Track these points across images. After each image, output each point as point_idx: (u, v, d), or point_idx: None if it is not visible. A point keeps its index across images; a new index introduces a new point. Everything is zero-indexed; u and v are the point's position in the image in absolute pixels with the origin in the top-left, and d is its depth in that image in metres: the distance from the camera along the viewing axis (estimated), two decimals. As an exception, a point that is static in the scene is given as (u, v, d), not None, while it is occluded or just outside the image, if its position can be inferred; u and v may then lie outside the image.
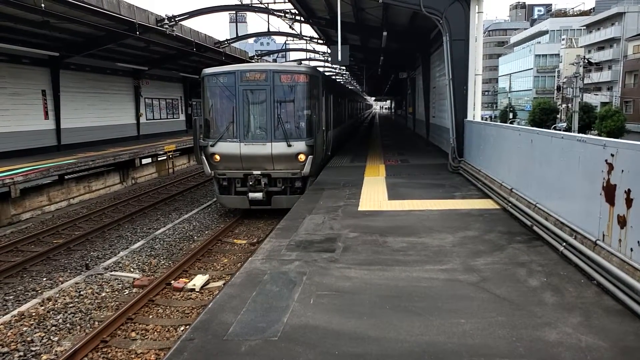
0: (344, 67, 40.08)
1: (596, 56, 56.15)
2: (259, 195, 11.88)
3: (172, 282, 8.50)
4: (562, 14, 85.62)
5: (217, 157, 11.94)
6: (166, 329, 6.94)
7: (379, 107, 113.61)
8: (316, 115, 12.19)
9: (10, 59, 17.63)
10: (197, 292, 8.15)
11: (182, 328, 6.90)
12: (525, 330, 4.19)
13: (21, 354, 6.23)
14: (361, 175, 13.13)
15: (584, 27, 64.22)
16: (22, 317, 7.22)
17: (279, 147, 11.70)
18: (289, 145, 11.66)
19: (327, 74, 32.78)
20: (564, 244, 5.98)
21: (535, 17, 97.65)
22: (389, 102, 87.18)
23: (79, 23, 15.77)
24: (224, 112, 12.17)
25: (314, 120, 11.97)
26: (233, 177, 12.23)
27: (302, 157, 11.78)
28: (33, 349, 6.37)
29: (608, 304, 4.65)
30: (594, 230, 5.43)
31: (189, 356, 3.96)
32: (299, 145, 11.78)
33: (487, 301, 4.84)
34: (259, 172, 11.93)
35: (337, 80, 40.91)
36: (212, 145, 11.86)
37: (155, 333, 6.84)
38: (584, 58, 46.27)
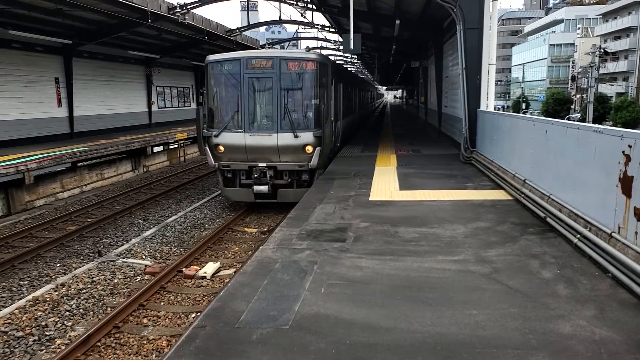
0: (355, 56, 39.76)
1: (612, 46, 55.16)
2: (264, 188, 11.52)
3: (184, 269, 8.56)
4: (578, 2, 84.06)
5: (222, 148, 11.55)
6: (177, 316, 7.01)
7: (392, 96, 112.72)
8: (325, 104, 11.69)
9: (24, 46, 17.73)
10: (208, 279, 8.21)
11: (193, 315, 6.97)
12: (538, 323, 4.16)
13: (36, 338, 6.35)
14: (372, 165, 13.07)
15: (600, 16, 63.06)
16: (37, 302, 7.34)
17: (286, 138, 11.29)
18: (296, 136, 11.24)
19: (338, 62, 32.53)
20: (578, 235, 5.90)
21: (551, 5, 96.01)
22: (400, 91, 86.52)
23: (92, 11, 15.79)
24: (228, 101, 11.75)
25: (322, 110, 11.45)
26: (238, 169, 11.87)
27: (309, 148, 11.36)
28: (47, 333, 6.48)
29: (623, 297, 4.60)
30: (610, 222, 5.34)
31: (200, 343, 3.98)
32: (307, 137, 11.33)
33: (499, 292, 4.81)
34: (264, 164, 11.54)
35: (348, 69, 40.43)
36: (216, 136, 11.50)
37: (167, 320, 6.91)
38: (600, 47, 45.41)
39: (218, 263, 8.79)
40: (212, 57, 11.74)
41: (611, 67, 54.61)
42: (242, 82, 11.34)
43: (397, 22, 17.12)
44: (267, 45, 34.39)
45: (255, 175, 11.57)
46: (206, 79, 11.84)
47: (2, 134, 16.90)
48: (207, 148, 11.70)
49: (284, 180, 11.87)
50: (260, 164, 11.55)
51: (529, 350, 3.74)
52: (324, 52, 32.71)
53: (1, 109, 16.88)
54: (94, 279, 8.30)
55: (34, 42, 17.92)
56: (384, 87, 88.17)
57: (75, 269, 8.89)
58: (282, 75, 11.30)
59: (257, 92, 11.43)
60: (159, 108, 28.12)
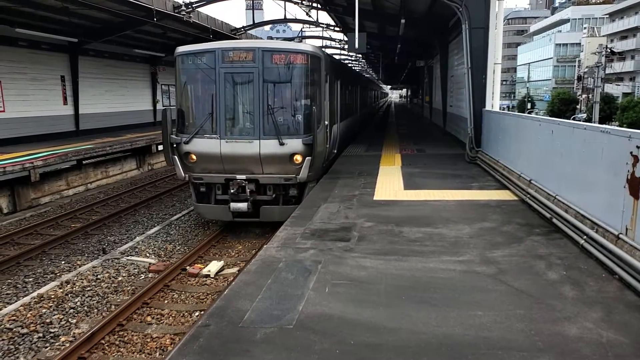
0: (360, 55, 39.70)
1: (619, 45, 54.83)
2: (242, 205, 9.65)
3: (188, 267, 8.57)
4: (585, 2, 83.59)
5: (194, 157, 9.88)
6: (181, 314, 7.01)
7: (398, 95, 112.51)
8: (317, 105, 9.96)
9: (30, 44, 17.81)
10: (212, 278, 8.21)
11: (197, 314, 6.97)
12: (544, 324, 4.13)
13: (40, 335, 6.37)
14: (376, 165, 13.03)
15: (607, 16, 62.70)
16: (42, 299, 7.37)
17: (269, 146, 9.58)
18: (282, 144, 9.51)
19: (344, 61, 32.41)
20: (585, 237, 5.86)
21: (557, 5, 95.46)
22: (405, 90, 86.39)
23: (98, 9, 15.82)
24: (201, 101, 10.13)
25: (314, 112, 9.67)
26: (212, 182, 10.12)
27: (298, 158, 9.67)
28: (52, 330, 6.50)
29: (630, 300, 4.55)
30: (617, 223, 5.30)
31: (204, 342, 3.97)
32: (294, 144, 9.62)
33: (505, 294, 4.77)
34: (243, 177, 9.77)
35: (351, 67, 40.11)
36: (187, 143, 9.78)
37: (171, 318, 6.92)
38: (606, 47, 45.15)
39: (222, 261, 8.79)
40: (182, 49, 10.13)
41: (617, 67, 54.27)
42: (217, 79, 9.63)
43: (403, 21, 17.07)
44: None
45: (232, 191, 9.73)
46: (176, 74, 10.20)
47: (9, 131, 16.99)
48: (176, 157, 10.02)
49: (267, 195, 10.09)
50: (239, 177, 9.80)
51: (535, 353, 3.71)
52: (329, 51, 32.63)
53: (8, 106, 16.97)
54: (99, 276, 8.32)
55: (40, 40, 17.99)
56: (389, 86, 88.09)
57: (79, 267, 8.92)
58: (265, 69, 9.58)
59: (236, 91, 9.75)
60: (164, 106, 28.17)
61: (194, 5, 18.74)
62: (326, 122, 10.77)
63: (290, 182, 9.86)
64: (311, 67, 9.93)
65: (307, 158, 9.68)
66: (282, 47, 10.18)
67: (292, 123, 9.92)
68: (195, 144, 9.80)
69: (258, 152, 9.61)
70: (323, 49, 11.05)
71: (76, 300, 7.38)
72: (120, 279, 8.29)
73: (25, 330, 6.44)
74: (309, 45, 10.63)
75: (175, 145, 9.99)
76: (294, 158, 9.69)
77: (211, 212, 10.44)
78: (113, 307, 7.20)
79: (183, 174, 10.08)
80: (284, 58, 9.68)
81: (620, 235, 5.17)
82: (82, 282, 8.04)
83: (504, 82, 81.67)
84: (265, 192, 10.09)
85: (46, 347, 6.11)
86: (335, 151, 13.46)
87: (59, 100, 19.64)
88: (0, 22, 15.61)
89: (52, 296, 7.46)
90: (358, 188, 10.00)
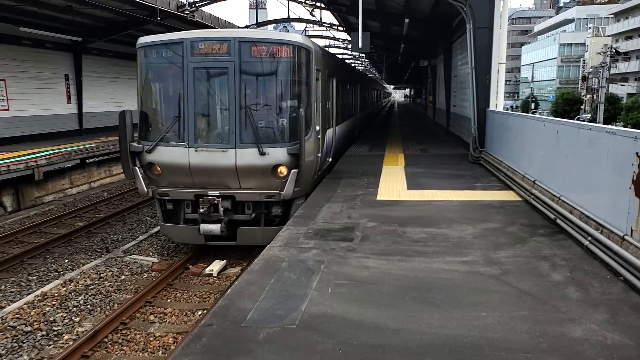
0: (363, 55, 39.67)
1: (624, 45, 54.64)
2: (215, 227, 8.16)
3: (190, 266, 8.57)
4: (589, 1, 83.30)
5: (158, 168, 8.46)
6: (184, 313, 7.02)
7: (403, 95, 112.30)
8: (306, 107, 8.47)
9: (34, 43, 17.88)
10: (215, 277, 8.21)
11: (199, 313, 6.98)
12: (548, 326, 4.10)
13: (44, 333, 6.38)
14: (380, 164, 13.01)
15: (612, 16, 62.46)
16: (45, 297, 7.39)
17: (248, 156, 8.08)
18: (263, 153, 8.03)
19: (347, 61, 32.29)
20: (589, 238, 5.83)
21: (561, 4, 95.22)
22: (408, 90, 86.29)
23: (102, 8, 15.84)
24: (166, 101, 8.74)
25: (301, 115, 8.06)
26: (180, 198, 8.59)
27: (282, 170, 8.23)
28: (55, 328, 6.51)
29: (635, 301, 4.52)
30: (622, 225, 5.26)
31: (207, 342, 3.97)
32: (278, 154, 8.14)
33: (508, 295, 4.75)
34: (216, 193, 8.25)
35: (354, 65, 39.94)
36: (149, 151, 8.32)
37: (174, 317, 6.92)
38: (611, 47, 44.97)
39: (224, 261, 8.79)
40: (145, 39, 8.60)
41: (622, 67, 54.04)
42: (185, 75, 8.15)
43: (406, 20, 17.05)
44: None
45: (202, 209, 8.16)
46: (137, 70, 8.72)
47: (14, 130, 17.08)
48: (137, 168, 8.54)
49: (245, 215, 8.55)
50: (211, 193, 8.27)
51: (539, 354, 3.69)
52: (332, 50, 32.58)
53: (12, 105, 17.04)
54: (102, 275, 8.34)
55: (44, 39, 18.06)
56: (392, 86, 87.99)
57: (83, 265, 8.94)
58: (242, 64, 8.11)
59: (207, 90, 8.36)
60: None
61: (197, 5, 18.73)
62: (317, 127, 9.17)
63: (272, 199, 8.32)
64: (298, 61, 8.40)
65: (293, 170, 8.16)
66: (263, 37, 8.65)
67: (276, 128, 8.48)
68: (159, 153, 8.34)
69: (234, 164, 8.10)
70: (315, 42, 9.54)
71: (79, 298, 7.40)
72: (123, 277, 8.30)
73: (28, 329, 6.46)
74: (296, 35, 8.98)
75: (135, 155, 8.50)
76: (278, 170, 8.25)
77: (179, 234, 8.87)
78: (116, 305, 7.21)
79: (145, 189, 8.48)
80: (266, 50, 8.16)
81: (626, 237, 5.14)
82: (86, 281, 8.06)
83: (508, 82, 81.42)
84: (243, 211, 8.55)
85: (49, 345, 6.13)
86: (330, 159, 11.76)
87: (62, 99, 19.71)
88: (4, 21, 15.67)
89: (56, 294, 7.48)
90: (361, 188, 9.98)
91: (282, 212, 8.60)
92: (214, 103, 8.38)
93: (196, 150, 8.15)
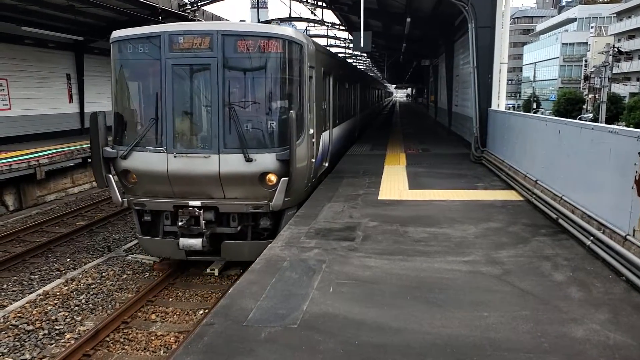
0: (365, 54, 39.64)
1: (626, 45, 54.50)
2: (195, 242, 7.40)
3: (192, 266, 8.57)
4: (592, 1, 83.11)
5: (134, 176, 7.74)
6: (185, 313, 7.02)
7: (405, 95, 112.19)
8: (299, 108, 7.75)
9: (36, 42, 17.90)
10: (216, 276, 8.21)
11: (201, 312, 6.98)
12: (550, 326, 4.10)
13: (46, 332, 6.40)
14: (381, 164, 12.99)
15: (614, 15, 62.34)
16: (47, 296, 7.41)
17: (232, 163, 7.35)
18: (249, 160, 7.29)
19: (349, 61, 32.25)
20: (592, 238, 5.81)
21: (563, 4, 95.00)
22: (410, 89, 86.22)
23: (103, 7, 15.87)
24: (142, 102, 7.99)
25: (292, 117, 7.26)
26: (158, 209, 7.83)
27: (271, 178, 7.50)
28: (57, 327, 6.53)
29: (637, 301, 4.51)
30: (624, 224, 5.25)
31: (209, 341, 3.97)
32: (266, 160, 7.41)
33: (510, 294, 4.74)
34: (197, 204, 7.49)
35: (355, 64, 39.85)
36: (124, 157, 7.56)
37: (175, 316, 6.93)
38: (614, 47, 44.87)
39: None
40: (118, 33, 7.79)
41: (625, 66, 53.94)
42: (163, 72, 7.39)
43: (408, 20, 17.02)
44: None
45: (181, 223, 7.39)
46: (111, 67, 7.94)
47: (16, 129, 17.11)
48: (111, 176, 7.82)
49: (230, 227, 7.80)
50: (192, 203, 7.50)
51: (541, 354, 3.68)
52: (334, 49, 32.52)
53: (14, 104, 17.07)
54: (103, 274, 8.36)
55: (46, 39, 18.09)
56: (394, 86, 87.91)
57: (85, 264, 8.96)
58: (227, 60, 7.37)
59: (188, 89, 7.61)
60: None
61: (199, 4, 18.74)
62: (312, 130, 8.50)
63: (260, 210, 7.60)
64: (289, 57, 7.64)
65: (282, 179, 7.42)
66: (249, 30, 7.83)
67: (264, 132, 7.72)
68: (134, 159, 7.58)
69: (217, 171, 7.37)
70: (308, 36, 8.60)
71: (81, 297, 7.41)
72: (124, 276, 8.31)
73: (30, 327, 6.47)
74: (287, 28, 8.22)
75: (109, 161, 7.80)
76: (266, 178, 7.49)
77: (158, 248, 8.15)
78: (118, 304, 7.22)
79: (120, 199, 7.75)
80: (252, 45, 7.36)
81: (628, 237, 5.13)
82: (87, 280, 8.07)
83: (510, 82, 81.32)
84: (228, 224, 7.80)
85: (51, 344, 6.14)
86: (327, 164, 10.98)
87: (64, 99, 19.75)
88: (6, 20, 15.69)
89: (58, 293, 7.50)
90: (362, 187, 9.97)
91: (271, 225, 7.87)
92: (195, 104, 7.61)
93: (175, 156, 7.39)
